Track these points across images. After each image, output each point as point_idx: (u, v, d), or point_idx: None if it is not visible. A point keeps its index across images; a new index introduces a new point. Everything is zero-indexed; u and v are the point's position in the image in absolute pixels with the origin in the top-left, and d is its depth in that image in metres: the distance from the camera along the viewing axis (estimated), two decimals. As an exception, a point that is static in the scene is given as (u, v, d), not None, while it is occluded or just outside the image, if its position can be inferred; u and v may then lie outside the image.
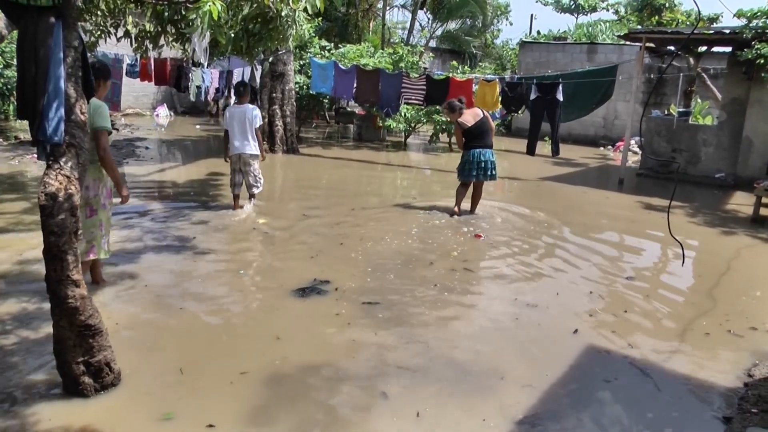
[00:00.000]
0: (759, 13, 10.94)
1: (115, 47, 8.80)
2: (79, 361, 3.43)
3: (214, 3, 4.05)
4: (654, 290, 6.08)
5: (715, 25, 17.45)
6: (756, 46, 10.45)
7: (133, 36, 5.88)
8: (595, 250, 7.35)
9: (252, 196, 8.18)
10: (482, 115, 8.54)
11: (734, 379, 4.26)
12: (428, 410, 3.64)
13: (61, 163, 3.27)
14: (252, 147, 7.90)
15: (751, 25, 11.01)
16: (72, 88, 3.34)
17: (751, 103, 12.57)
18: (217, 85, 14.31)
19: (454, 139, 16.44)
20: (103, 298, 4.91)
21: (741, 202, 10.86)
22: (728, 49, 13.76)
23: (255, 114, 7.91)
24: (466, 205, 8.79)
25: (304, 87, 15.69)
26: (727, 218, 9.64)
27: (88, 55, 6.29)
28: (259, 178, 8.15)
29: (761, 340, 4.95)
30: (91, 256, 4.88)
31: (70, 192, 3.24)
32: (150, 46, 5.95)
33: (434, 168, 13.47)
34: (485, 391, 3.90)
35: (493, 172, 8.59)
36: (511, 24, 40.69)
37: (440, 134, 16.36)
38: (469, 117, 8.50)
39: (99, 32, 5.85)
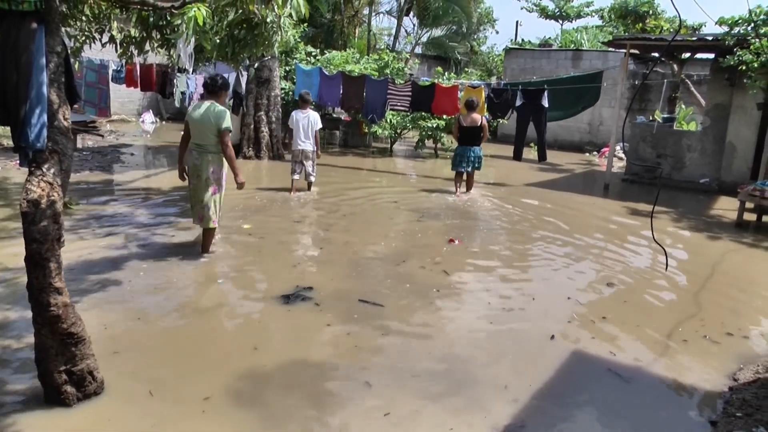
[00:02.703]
0: (740, 21, 11.08)
1: (100, 53, 8.73)
2: (61, 370, 3.39)
3: (199, 9, 4.05)
4: (634, 296, 6.08)
5: (698, 33, 17.63)
6: (738, 53, 10.57)
7: (118, 42, 5.85)
8: (576, 256, 7.39)
9: (310, 183, 10.16)
10: (478, 123, 10.41)
11: (715, 384, 4.28)
12: (399, 414, 3.63)
13: (44, 170, 3.23)
14: (311, 145, 9.86)
15: (732, 32, 11.15)
16: (55, 94, 3.30)
17: (734, 108, 12.70)
18: (202, 91, 14.23)
19: (439, 145, 16.57)
20: (86, 305, 4.86)
21: (725, 207, 10.96)
22: (711, 55, 13.91)
23: (316, 119, 9.93)
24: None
25: (290, 93, 15.66)
26: (712, 223, 9.71)
27: (72, 60, 6.27)
28: (315, 169, 10.12)
29: (737, 345, 4.97)
30: (212, 225, 6.26)
31: (53, 199, 3.21)
32: (135, 52, 5.93)
33: (420, 174, 13.46)
34: (455, 399, 3.87)
35: (477, 165, 10.60)
36: (497, 32, 40.96)
37: (426, 140, 16.37)
38: (468, 119, 10.39)
39: (84, 38, 5.81)
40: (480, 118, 10.45)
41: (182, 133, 6.41)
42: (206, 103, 6.10)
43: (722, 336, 5.13)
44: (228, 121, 6.05)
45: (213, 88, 6.16)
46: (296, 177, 9.95)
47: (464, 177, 10.71)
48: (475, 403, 3.83)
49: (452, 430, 3.52)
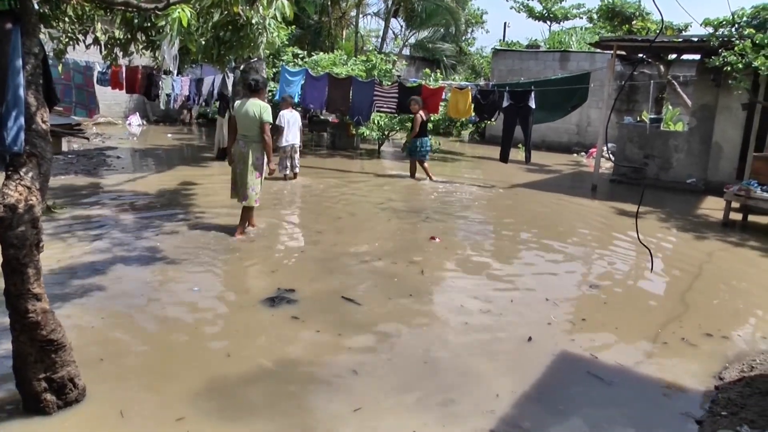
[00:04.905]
0: (724, 22, 11.16)
1: (84, 54, 8.65)
2: (41, 378, 3.32)
3: (183, 10, 4.01)
4: (616, 298, 6.06)
5: (684, 33, 17.74)
6: (723, 54, 10.63)
7: (102, 43, 5.77)
8: (560, 257, 7.38)
9: (296, 174, 11.57)
10: (428, 115, 12.76)
11: (698, 384, 4.26)
12: (369, 416, 3.62)
13: (21, 174, 3.17)
14: (299, 140, 11.57)
15: (717, 33, 11.21)
16: (32, 96, 3.24)
17: (720, 109, 12.78)
18: (187, 93, 14.14)
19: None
20: (69, 311, 4.79)
21: (712, 207, 11.01)
22: (697, 56, 13.99)
23: (299, 117, 11.79)
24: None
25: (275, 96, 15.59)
26: (699, 223, 9.76)
27: (56, 62, 6.20)
28: (298, 161, 11.71)
29: (718, 346, 4.94)
30: (255, 204, 7.30)
31: (31, 203, 3.15)
32: (120, 54, 5.87)
33: (407, 174, 13.40)
34: (421, 402, 3.83)
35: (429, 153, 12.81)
36: (487, 32, 41.07)
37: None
38: (423, 114, 12.23)
39: (67, 39, 5.73)
40: (425, 112, 12.50)
41: (230, 125, 7.46)
42: (250, 100, 7.04)
43: (702, 337, 5.08)
44: (269, 114, 7.05)
45: (255, 88, 7.10)
46: (288, 172, 11.38)
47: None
48: (443, 407, 3.77)
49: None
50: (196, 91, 14.09)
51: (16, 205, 3.09)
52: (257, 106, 6.98)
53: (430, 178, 12.27)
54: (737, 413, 3.80)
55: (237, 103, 7.31)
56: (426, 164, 12.44)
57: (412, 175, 12.56)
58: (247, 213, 7.38)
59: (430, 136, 12.70)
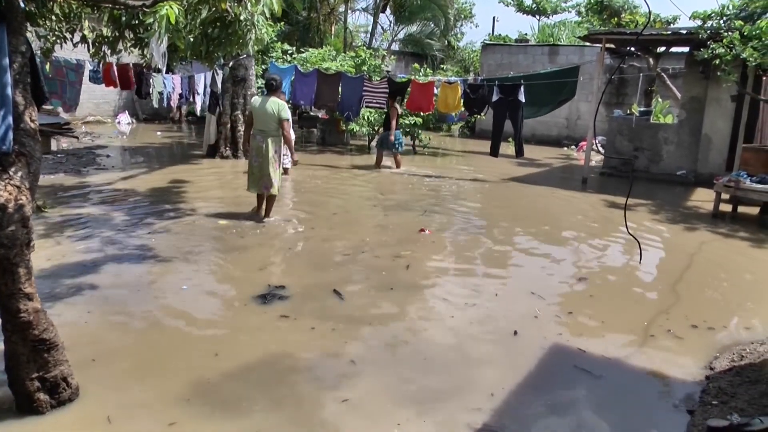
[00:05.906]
0: (713, 14, 11.20)
1: (73, 53, 8.60)
2: (34, 377, 3.32)
3: (171, 7, 4.00)
4: (603, 290, 6.07)
5: (673, 26, 17.80)
6: (711, 46, 10.67)
7: (90, 41, 5.74)
8: (549, 250, 7.39)
9: (286, 170, 11.38)
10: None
11: (687, 375, 4.28)
12: (355, 408, 3.64)
13: (11, 173, 3.15)
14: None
15: (705, 25, 11.25)
16: (20, 95, 3.22)
17: (709, 101, 12.83)
18: (181, 91, 14.02)
19: (417, 142, 16.52)
20: (61, 310, 4.78)
21: (702, 198, 11.07)
22: (686, 49, 14.03)
23: None
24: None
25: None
26: (689, 214, 9.81)
27: (44, 60, 6.16)
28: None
29: (706, 337, 4.95)
30: (273, 192, 7.88)
31: (21, 202, 3.14)
32: (108, 52, 5.83)
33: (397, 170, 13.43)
34: (406, 397, 3.83)
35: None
36: (476, 26, 40.99)
37: (404, 137, 16.35)
38: (399, 107, 12.98)
39: (54, 38, 5.69)
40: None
41: (246, 121, 8.20)
42: (268, 98, 7.70)
43: (688, 328, 5.10)
44: (287, 112, 7.82)
45: (273, 87, 7.77)
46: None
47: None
48: (428, 402, 3.77)
49: (400, 425, 3.51)
50: (188, 89, 13.98)
51: (5, 205, 3.07)
52: (276, 104, 7.65)
53: (397, 166, 12.99)
54: (728, 402, 3.84)
55: (255, 99, 8.03)
56: (383, 155, 13.25)
57: (378, 165, 13.14)
58: (272, 200, 8.02)
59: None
